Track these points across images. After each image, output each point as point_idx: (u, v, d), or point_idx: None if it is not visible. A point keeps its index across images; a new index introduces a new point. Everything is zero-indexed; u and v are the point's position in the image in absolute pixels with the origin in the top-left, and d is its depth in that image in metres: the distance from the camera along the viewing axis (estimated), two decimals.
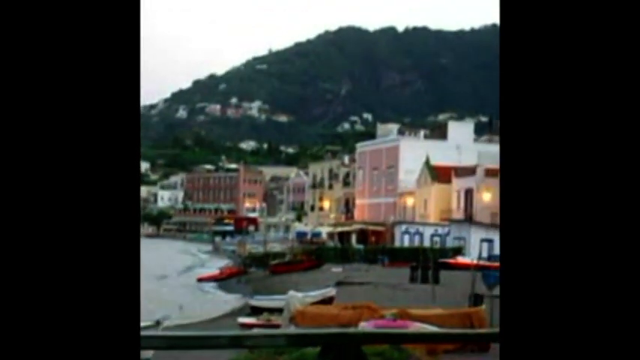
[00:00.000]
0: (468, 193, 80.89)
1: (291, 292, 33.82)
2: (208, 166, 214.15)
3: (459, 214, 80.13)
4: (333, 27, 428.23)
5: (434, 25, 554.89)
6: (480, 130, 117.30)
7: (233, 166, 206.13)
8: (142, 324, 12.25)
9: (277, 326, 30.34)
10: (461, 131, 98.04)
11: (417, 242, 74.53)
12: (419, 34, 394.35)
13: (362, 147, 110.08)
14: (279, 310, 33.50)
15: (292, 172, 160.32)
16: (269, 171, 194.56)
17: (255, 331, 22.94)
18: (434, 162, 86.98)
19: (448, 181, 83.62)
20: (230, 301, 54.49)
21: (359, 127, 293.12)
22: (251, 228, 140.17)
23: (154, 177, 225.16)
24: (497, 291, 35.78)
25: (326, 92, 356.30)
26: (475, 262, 41.16)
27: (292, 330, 18.28)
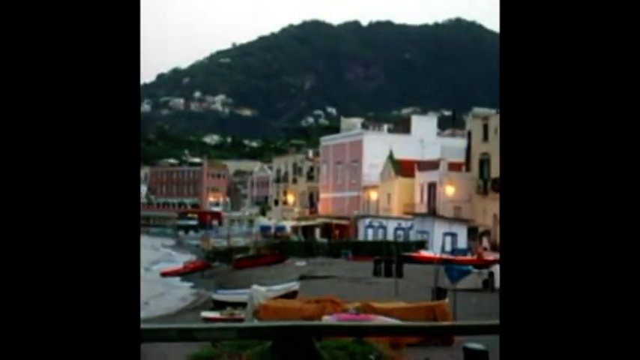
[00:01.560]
0: (432, 187, 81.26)
1: (255, 286, 33.80)
2: (172, 160, 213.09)
3: (422, 208, 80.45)
4: (297, 21, 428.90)
5: (398, 19, 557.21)
6: (443, 124, 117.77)
7: (197, 160, 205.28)
8: None
9: (241, 320, 30.27)
10: (424, 125, 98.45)
11: (380, 236, 74.65)
12: (383, 28, 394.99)
13: (326, 141, 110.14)
14: (242, 304, 33.43)
15: (256, 166, 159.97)
16: (233, 165, 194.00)
17: (206, 324, 22.86)
18: (397, 156, 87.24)
19: (411, 175, 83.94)
20: (193, 295, 54.38)
21: (323, 121, 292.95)
22: (215, 222, 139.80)
23: None
24: (460, 285, 36.11)
25: (290, 86, 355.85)
26: (438, 255, 41.40)
27: (243, 324, 18.27)
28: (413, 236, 71.38)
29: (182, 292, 57.69)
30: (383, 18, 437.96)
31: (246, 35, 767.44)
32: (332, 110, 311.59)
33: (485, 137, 76.69)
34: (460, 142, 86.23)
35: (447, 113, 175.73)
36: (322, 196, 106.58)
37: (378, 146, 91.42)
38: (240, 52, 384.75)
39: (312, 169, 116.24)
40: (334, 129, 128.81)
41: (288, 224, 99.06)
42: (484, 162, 76.64)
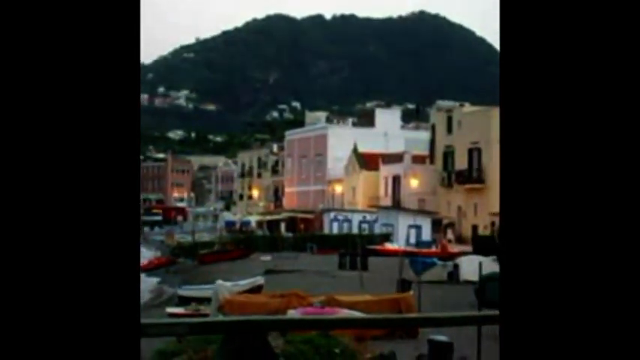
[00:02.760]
0: (396, 180, 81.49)
1: (219, 282, 33.71)
2: None
3: (386, 201, 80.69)
4: (260, 15, 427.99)
5: (361, 12, 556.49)
6: (407, 118, 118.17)
7: (161, 155, 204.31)
8: None
9: (205, 316, 30.19)
10: (388, 118, 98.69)
11: (345, 229, 74.69)
12: (347, 21, 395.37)
13: (290, 135, 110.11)
14: (207, 300, 33.34)
15: (220, 161, 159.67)
16: (197, 160, 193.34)
17: (155, 320, 22.71)
18: (362, 149, 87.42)
19: (376, 168, 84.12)
20: (159, 290, 54.12)
21: (287, 115, 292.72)
22: (179, 218, 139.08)
23: None
24: (425, 277, 36.25)
25: (254, 80, 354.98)
26: (403, 248, 41.51)
27: (194, 319, 18.27)
28: (378, 229, 71.46)
29: (146, 287, 57.32)
30: (347, 12, 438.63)
31: (210, 30, 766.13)
32: (296, 104, 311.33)
33: (449, 130, 76.98)
34: (424, 135, 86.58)
35: (411, 106, 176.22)
36: (287, 190, 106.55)
37: (342, 140, 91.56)
38: (203, 47, 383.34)
39: (276, 163, 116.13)
40: (299, 123, 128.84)
41: (253, 219, 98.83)
42: (448, 154, 76.97)
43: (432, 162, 79.70)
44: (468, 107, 79.87)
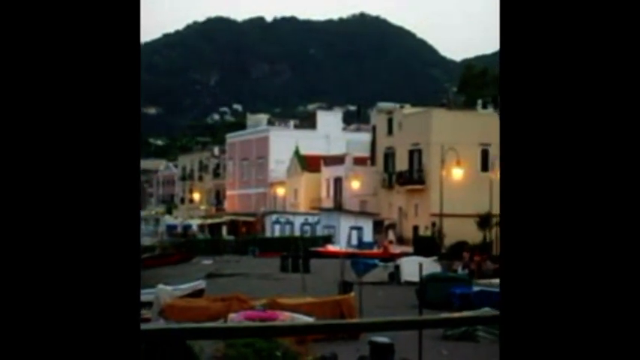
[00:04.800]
0: (337, 182, 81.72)
1: (160, 286, 33.51)
2: None
3: (328, 203, 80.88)
4: (201, 18, 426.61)
5: (302, 15, 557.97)
6: (348, 119, 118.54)
7: None
8: None
9: (147, 320, 29.96)
10: (330, 121, 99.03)
11: (287, 232, 74.72)
12: (287, 24, 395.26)
13: (232, 138, 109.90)
14: (148, 304, 33.06)
15: (161, 165, 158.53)
16: None
17: None
18: (303, 151, 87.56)
19: (318, 170, 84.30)
20: None
21: (229, 117, 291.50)
22: None
23: None
24: (366, 278, 36.41)
25: (195, 83, 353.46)
26: (344, 250, 41.64)
27: None
28: (320, 231, 71.63)
29: None
30: (287, 14, 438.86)
31: (151, 33, 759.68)
32: (238, 107, 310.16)
33: (390, 131, 77.34)
34: (365, 137, 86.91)
35: (352, 108, 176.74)
36: (229, 193, 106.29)
37: (284, 142, 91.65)
38: (144, 49, 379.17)
39: (218, 166, 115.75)
40: (240, 126, 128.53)
41: (195, 222, 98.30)
42: (389, 156, 77.32)
43: (373, 163, 79.98)
44: (408, 109, 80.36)
